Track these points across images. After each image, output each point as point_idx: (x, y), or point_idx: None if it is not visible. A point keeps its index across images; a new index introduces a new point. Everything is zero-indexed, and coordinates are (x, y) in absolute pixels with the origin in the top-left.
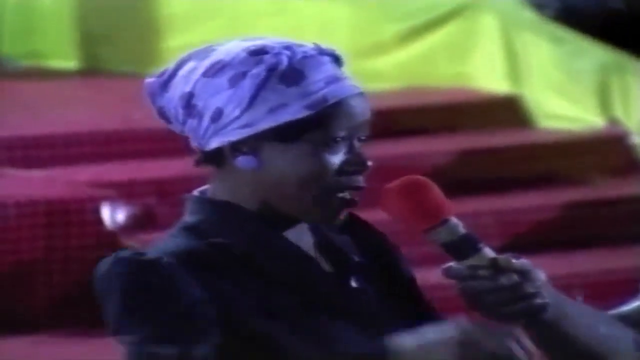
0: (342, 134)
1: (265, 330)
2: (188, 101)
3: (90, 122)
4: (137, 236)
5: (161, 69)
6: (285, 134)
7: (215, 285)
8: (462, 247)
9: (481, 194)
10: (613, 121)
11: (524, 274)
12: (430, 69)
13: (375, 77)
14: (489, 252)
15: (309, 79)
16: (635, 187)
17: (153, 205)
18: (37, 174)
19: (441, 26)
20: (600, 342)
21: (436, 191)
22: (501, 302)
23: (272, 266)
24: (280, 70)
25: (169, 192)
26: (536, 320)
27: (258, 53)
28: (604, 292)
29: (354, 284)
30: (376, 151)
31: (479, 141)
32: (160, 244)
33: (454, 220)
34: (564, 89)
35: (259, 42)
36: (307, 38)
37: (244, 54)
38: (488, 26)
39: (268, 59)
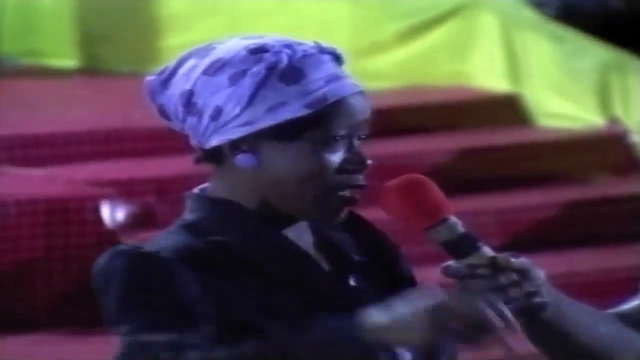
0: (341, 132)
1: (263, 329)
2: (188, 99)
3: (90, 121)
4: (137, 235)
5: (161, 67)
6: (284, 132)
7: (213, 282)
8: (461, 246)
9: (481, 193)
10: (613, 120)
11: (523, 272)
12: (430, 67)
13: (375, 76)
14: (488, 251)
15: (309, 77)
16: (635, 186)
17: (153, 203)
18: (37, 172)
19: (441, 25)
20: (600, 341)
21: (435, 190)
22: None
23: (271, 265)
24: (280, 68)
25: (168, 190)
26: (535, 319)
27: (258, 51)
28: (604, 290)
29: (352, 282)
30: (376, 150)
31: (478, 140)
32: (158, 240)
33: (453, 219)
34: (564, 87)
35: (259, 41)
36: (307, 37)
37: (244, 52)
38: (488, 25)
39: (268, 57)
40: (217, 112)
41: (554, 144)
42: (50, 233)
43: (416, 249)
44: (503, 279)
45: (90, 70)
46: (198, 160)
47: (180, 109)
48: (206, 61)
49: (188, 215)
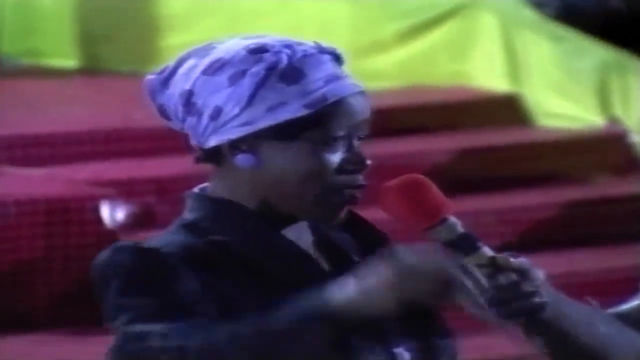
0: (341, 133)
1: None
2: (188, 99)
3: (90, 121)
4: (137, 235)
5: (161, 66)
6: (284, 132)
7: (213, 282)
8: (460, 246)
9: (481, 193)
10: (613, 120)
11: (522, 272)
12: (430, 67)
13: (375, 76)
14: (487, 251)
15: (309, 77)
16: (635, 186)
17: (152, 203)
18: (37, 172)
19: (441, 25)
20: (600, 341)
21: (435, 190)
22: (499, 301)
23: (271, 264)
24: (280, 68)
25: (168, 190)
26: (535, 319)
27: (258, 51)
28: (604, 290)
29: None
30: (376, 150)
31: (478, 140)
32: (157, 239)
33: (453, 219)
34: (563, 87)
35: (259, 41)
36: (307, 37)
37: (244, 52)
38: (488, 25)
39: (268, 57)
40: (217, 112)
41: (553, 144)
42: (50, 233)
43: None
44: (502, 279)
45: (90, 70)
46: (198, 160)
47: (179, 108)
48: (206, 61)
49: (188, 215)
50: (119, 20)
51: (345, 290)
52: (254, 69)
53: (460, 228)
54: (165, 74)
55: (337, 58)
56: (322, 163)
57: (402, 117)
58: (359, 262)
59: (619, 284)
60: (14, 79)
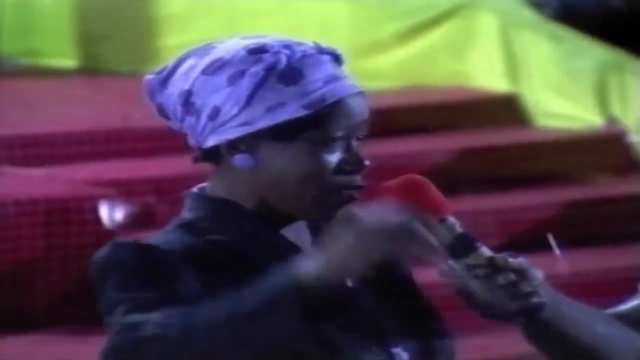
0: (340, 133)
1: None
2: (186, 99)
3: (89, 121)
4: (136, 235)
5: (161, 66)
6: (283, 133)
7: (212, 281)
8: (459, 246)
9: (480, 193)
10: (612, 120)
11: (521, 273)
12: (429, 67)
13: (374, 76)
14: (486, 251)
15: (308, 78)
16: (634, 186)
17: (152, 203)
18: (36, 172)
19: (440, 25)
20: (599, 341)
21: (434, 190)
22: (498, 301)
23: (270, 264)
24: (279, 69)
25: (167, 190)
26: (534, 319)
27: (257, 52)
28: (603, 290)
29: (350, 283)
30: (376, 150)
31: (478, 140)
32: (155, 238)
33: (452, 219)
34: (563, 87)
35: (258, 41)
36: (307, 37)
37: (243, 52)
38: (487, 25)
39: (267, 57)
40: (215, 112)
41: (553, 144)
42: (50, 233)
43: None
44: (501, 279)
45: (90, 70)
46: (196, 160)
47: (178, 108)
48: (205, 61)
49: (186, 214)
50: (119, 20)
51: (312, 262)
52: (253, 69)
53: (458, 228)
54: (165, 73)
55: (336, 58)
56: (321, 163)
57: (401, 117)
58: None
59: (619, 284)
60: (14, 79)
